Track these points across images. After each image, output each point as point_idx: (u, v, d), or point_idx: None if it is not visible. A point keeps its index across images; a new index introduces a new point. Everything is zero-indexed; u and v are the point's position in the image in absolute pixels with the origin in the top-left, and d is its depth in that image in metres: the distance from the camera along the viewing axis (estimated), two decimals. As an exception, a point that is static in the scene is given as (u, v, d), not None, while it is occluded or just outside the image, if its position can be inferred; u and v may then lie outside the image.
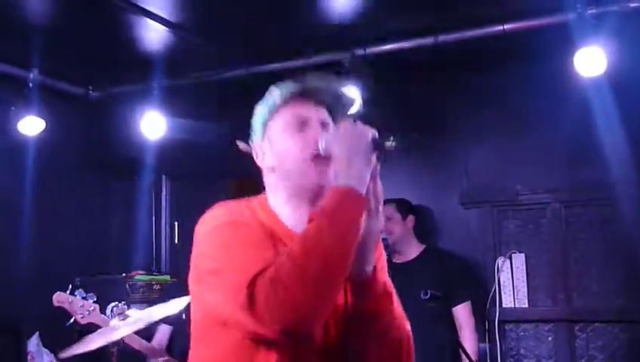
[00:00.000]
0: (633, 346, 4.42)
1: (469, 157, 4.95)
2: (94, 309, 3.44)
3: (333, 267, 1.59)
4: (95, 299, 3.50)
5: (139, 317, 3.23)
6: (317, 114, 1.90)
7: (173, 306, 3.47)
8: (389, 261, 4.34)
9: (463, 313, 4.33)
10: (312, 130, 1.86)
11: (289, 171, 1.87)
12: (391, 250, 4.43)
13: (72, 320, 3.47)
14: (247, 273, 1.59)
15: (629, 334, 4.45)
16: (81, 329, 3.31)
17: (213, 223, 1.85)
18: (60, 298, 3.50)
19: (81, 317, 3.45)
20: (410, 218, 4.60)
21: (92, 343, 3.02)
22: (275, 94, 1.93)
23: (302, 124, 1.87)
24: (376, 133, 1.76)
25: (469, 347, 4.12)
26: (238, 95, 4.97)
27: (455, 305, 4.34)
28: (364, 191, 1.70)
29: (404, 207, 4.62)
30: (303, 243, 1.60)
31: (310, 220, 1.64)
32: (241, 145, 2.09)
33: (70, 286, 3.54)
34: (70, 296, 3.49)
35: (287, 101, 1.90)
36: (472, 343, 4.25)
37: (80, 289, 3.51)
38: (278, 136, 1.90)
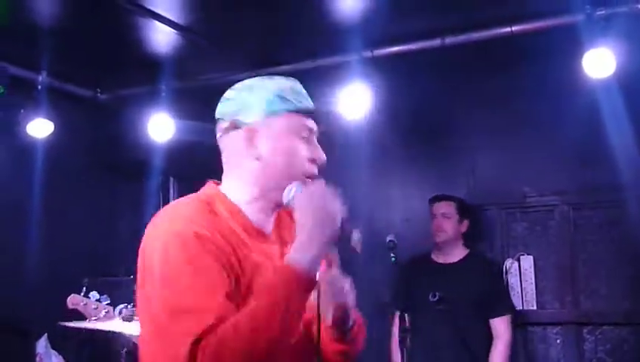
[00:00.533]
0: (642, 348, 4.41)
1: (476, 159, 4.95)
2: (108, 311, 3.45)
3: (278, 349, 1.57)
4: (109, 302, 3.51)
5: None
6: (316, 132, 1.89)
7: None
8: (431, 262, 4.35)
9: (501, 326, 4.21)
10: (317, 146, 1.87)
11: (287, 167, 1.81)
12: (432, 249, 4.41)
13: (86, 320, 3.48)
14: (193, 323, 1.53)
15: (637, 337, 4.43)
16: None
17: (169, 234, 1.70)
18: (74, 300, 3.51)
19: (95, 320, 3.46)
20: (466, 222, 4.48)
21: (94, 324, 3.01)
22: (290, 95, 1.87)
23: (307, 137, 1.85)
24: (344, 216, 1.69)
25: (498, 360, 4.10)
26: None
27: (494, 317, 4.22)
28: (316, 274, 1.64)
29: (464, 209, 4.50)
30: (252, 322, 1.54)
31: (261, 294, 1.60)
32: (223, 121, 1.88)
33: (84, 288, 3.56)
34: (84, 298, 3.50)
35: (299, 110, 1.86)
36: (503, 355, 4.17)
37: (94, 292, 3.52)
38: (284, 133, 1.82)
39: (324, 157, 1.86)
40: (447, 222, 4.40)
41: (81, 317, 3.49)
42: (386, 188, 5.10)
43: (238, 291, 1.65)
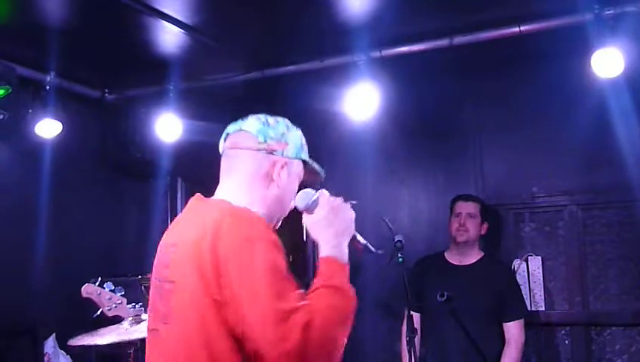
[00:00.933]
0: (651, 350, 4.39)
1: (484, 159, 4.93)
2: (121, 302, 3.47)
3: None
4: (123, 293, 3.52)
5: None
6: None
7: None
8: (446, 263, 4.32)
9: (514, 330, 4.16)
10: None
11: (287, 203, 2.14)
12: (448, 249, 4.39)
13: (99, 311, 3.48)
14: (289, 306, 1.75)
15: (646, 337, 4.42)
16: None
17: (264, 236, 1.88)
18: (88, 289, 3.52)
19: (108, 310, 3.47)
20: (485, 225, 4.42)
21: (102, 338, 3.02)
22: (305, 148, 2.20)
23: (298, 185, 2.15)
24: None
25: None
26: (253, 97, 5.00)
27: (507, 321, 4.17)
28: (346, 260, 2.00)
29: (486, 212, 4.45)
30: (341, 300, 1.86)
31: (330, 281, 1.89)
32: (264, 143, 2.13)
33: (99, 278, 3.56)
34: (99, 288, 3.51)
35: (306, 163, 2.18)
36: (515, 359, 4.12)
37: (108, 282, 3.53)
38: (296, 176, 2.16)
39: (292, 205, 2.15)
40: (472, 222, 4.33)
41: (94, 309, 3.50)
42: (393, 188, 5.09)
43: None
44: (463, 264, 4.33)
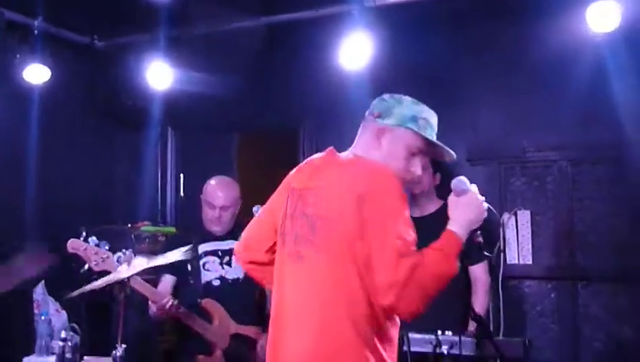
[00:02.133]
0: (636, 304, 4.44)
1: (477, 113, 4.92)
2: (108, 257, 3.45)
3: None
4: (108, 247, 3.51)
5: (144, 264, 3.23)
6: (424, 160, 2.61)
7: (175, 254, 3.49)
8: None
9: (478, 272, 4.19)
10: (416, 165, 2.56)
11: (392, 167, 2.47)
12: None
13: (85, 267, 3.48)
14: (407, 249, 2.25)
15: (631, 292, 4.47)
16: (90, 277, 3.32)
17: (394, 189, 2.34)
18: (74, 244, 3.50)
19: (95, 265, 3.47)
20: (438, 176, 4.38)
21: (97, 283, 3.03)
22: (421, 121, 2.56)
23: (415, 154, 2.53)
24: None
25: (479, 304, 4.12)
26: (247, 47, 4.94)
27: (472, 264, 4.20)
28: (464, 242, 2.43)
29: (436, 163, 4.32)
30: (438, 263, 2.30)
31: (443, 245, 2.37)
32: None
33: (84, 233, 3.55)
34: (84, 243, 3.50)
35: (420, 134, 2.52)
36: (483, 301, 4.19)
37: (93, 237, 3.52)
38: (400, 143, 2.51)
39: (418, 173, 2.56)
40: (424, 173, 4.33)
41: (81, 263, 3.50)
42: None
43: None
44: (424, 215, 4.36)
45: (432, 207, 4.35)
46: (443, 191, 4.53)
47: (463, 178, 2.52)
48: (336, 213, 2.34)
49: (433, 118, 2.60)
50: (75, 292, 2.98)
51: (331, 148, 2.62)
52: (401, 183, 2.40)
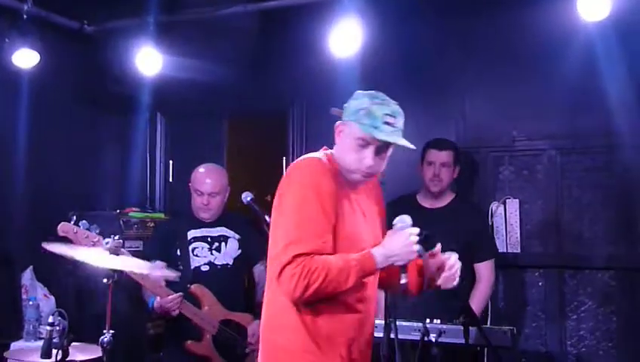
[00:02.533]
0: (623, 293, 4.47)
1: (466, 101, 4.92)
2: (98, 240, 3.44)
3: (335, 291, 2.49)
4: (98, 231, 3.50)
5: (129, 262, 3.21)
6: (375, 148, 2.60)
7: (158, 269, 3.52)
8: (418, 206, 4.29)
9: (484, 270, 4.20)
10: (366, 156, 2.59)
11: (343, 160, 2.64)
12: (420, 192, 4.38)
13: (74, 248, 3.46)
14: (300, 242, 2.45)
15: (619, 281, 4.49)
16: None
17: (303, 179, 2.55)
18: (64, 228, 3.49)
19: (85, 248, 3.45)
20: (458, 168, 4.34)
21: (79, 253, 3.00)
22: (369, 114, 2.55)
23: (362, 146, 2.58)
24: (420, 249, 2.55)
25: (478, 301, 4.13)
26: (237, 33, 4.92)
27: (478, 262, 4.21)
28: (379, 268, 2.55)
29: (458, 156, 4.35)
30: (329, 272, 2.44)
31: (346, 259, 2.49)
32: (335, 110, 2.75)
33: (74, 217, 3.54)
34: (75, 227, 3.48)
35: (365, 128, 2.55)
36: (484, 296, 4.20)
37: (84, 221, 3.51)
38: (349, 137, 2.62)
39: (367, 164, 2.58)
40: (446, 171, 4.25)
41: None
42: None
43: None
44: (436, 206, 4.33)
45: (444, 200, 4.33)
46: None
47: (406, 217, 2.59)
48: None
49: (380, 109, 2.57)
50: (50, 247, 2.95)
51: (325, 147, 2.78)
52: (330, 176, 2.57)
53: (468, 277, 4.17)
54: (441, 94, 4.96)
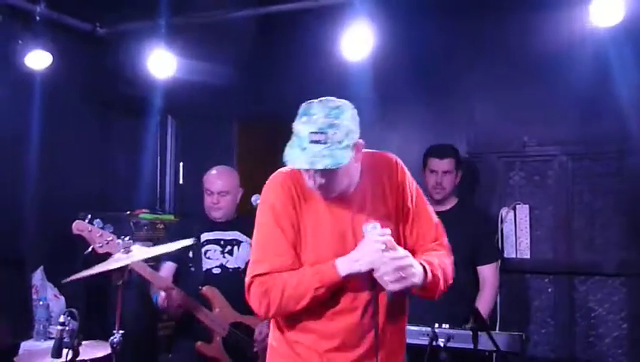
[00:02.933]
0: (633, 299, 4.45)
1: (477, 105, 4.91)
2: (112, 239, 3.47)
3: (299, 306, 2.42)
4: (112, 230, 3.52)
5: (143, 252, 3.24)
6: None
7: (176, 245, 3.49)
8: None
9: (488, 273, 4.20)
10: (310, 177, 2.43)
11: None
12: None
13: (90, 249, 3.49)
14: (259, 262, 2.47)
15: (629, 287, 4.48)
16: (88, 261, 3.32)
17: (263, 196, 2.56)
18: (79, 226, 3.52)
19: (100, 247, 3.47)
20: (460, 173, 4.36)
21: (94, 269, 3.04)
22: (304, 142, 2.34)
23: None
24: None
25: (484, 305, 4.11)
26: (249, 36, 4.94)
27: (482, 264, 4.21)
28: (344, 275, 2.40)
29: (460, 162, 4.37)
30: (288, 288, 2.40)
31: (306, 272, 2.41)
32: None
33: (89, 216, 3.56)
34: (90, 225, 3.51)
35: (290, 162, 2.37)
36: (489, 301, 4.18)
37: (98, 220, 3.53)
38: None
39: (313, 186, 2.42)
40: (448, 178, 4.27)
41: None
42: (384, 131, 5.07)
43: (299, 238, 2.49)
44: (439, 211, 4.31)
45: (447, 204, 4.32)
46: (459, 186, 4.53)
47: (375, 224, 2.43)
48: None
49: (305, 128, 2.34)
50: (73, 277, 2.98)
51: None
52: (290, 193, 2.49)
53: (473, 280, 4.17)
54: (452, 98, 4.96)
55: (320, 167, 2.27)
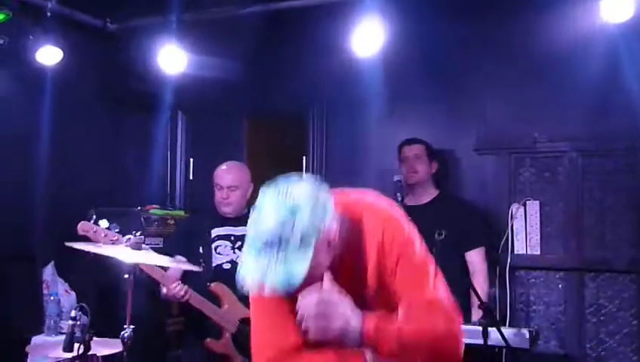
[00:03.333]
0: (643, 296, 4.44)
1: (487, 102, 4.90)
2: (117, 239, 3.47)
3: None
4: (118, 230, 3.53)
5: (149, 257, 3.24)
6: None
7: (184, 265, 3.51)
8: (404, 206, 4.29)
9: (476, 258, 4.31)
10: None
11: None
12: (403, 192, 4.37)
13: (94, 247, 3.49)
14: (260, 354, 2.12)
15: (638, 284, 4.46)
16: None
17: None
18: (84, 227, 3.53)
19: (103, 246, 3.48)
20: (435, 164, 4.57)
21: (100, 249, 3.04)
22: (253, 249, 1.89)
23: None
24: None
25: (480, 291, 4.12)
26: (259, 32, 4.94)
27: (468, 250, 4.31)
28: None
29: (432, 151, 4.59)
30: None
31: None
32: None
33: (94, 216, 3.57)
34: (94, 226, 3.51)
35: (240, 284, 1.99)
36: (484, 288, 4.23)
37: (104, 220, 3.54)
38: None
39: None
40: (419, 162, 4.49)
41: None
42: (394, 127, 5.07)
43: None
44: (418, 204, 4.43)
45: (426, 196, 4.43)
46: (439, 179, 4.61)
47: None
48: None
49: (255, 230, 1.87)
50: (76, 245, 2.99)
51: None
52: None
53: (459, 270, 4.19)
54: (462, 94, 4.95)
55: (271, 286, 1.83)
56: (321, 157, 5.37)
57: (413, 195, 4.51)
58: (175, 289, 3.80)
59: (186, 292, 3.82)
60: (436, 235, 3.77)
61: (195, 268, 3.60)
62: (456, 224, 4.21)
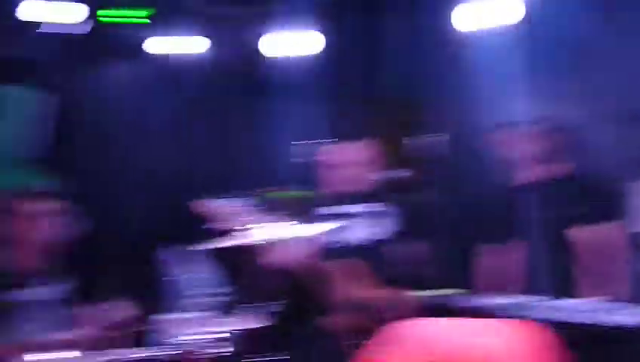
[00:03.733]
0: None
1: (616, 75, 4.70)
2: (239, 215, 3.55)
3: None
4: (240, 208, 3.61)
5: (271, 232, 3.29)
6: None
7: (309, 229, 3.52)
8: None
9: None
10: None
11: None
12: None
13: (215, 225, 3.59)
14: None
15: None
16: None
17: None
18: (205, 204, 3.63)
19: (225, 224, 3.56)
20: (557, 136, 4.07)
21: (223, 242, 3.13)
22: None
23: None
24: None
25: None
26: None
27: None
28: None
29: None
30: None
31: None
32: None
33: (215, 194, 3.66)
34: (216, 202, 3.61)
35: None
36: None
37: (223, 198, 3.63)
38: None
39: None
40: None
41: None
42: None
43: None
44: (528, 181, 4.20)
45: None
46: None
47: None
48: None
49: None
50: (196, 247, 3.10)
51: None
52: None
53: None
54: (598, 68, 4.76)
55: None
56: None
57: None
58: None
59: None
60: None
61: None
62: (569, 203, 3.96)
